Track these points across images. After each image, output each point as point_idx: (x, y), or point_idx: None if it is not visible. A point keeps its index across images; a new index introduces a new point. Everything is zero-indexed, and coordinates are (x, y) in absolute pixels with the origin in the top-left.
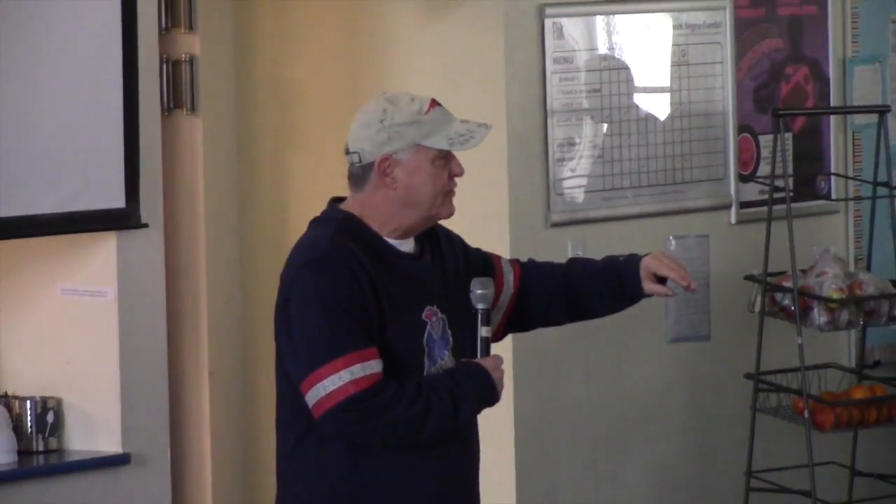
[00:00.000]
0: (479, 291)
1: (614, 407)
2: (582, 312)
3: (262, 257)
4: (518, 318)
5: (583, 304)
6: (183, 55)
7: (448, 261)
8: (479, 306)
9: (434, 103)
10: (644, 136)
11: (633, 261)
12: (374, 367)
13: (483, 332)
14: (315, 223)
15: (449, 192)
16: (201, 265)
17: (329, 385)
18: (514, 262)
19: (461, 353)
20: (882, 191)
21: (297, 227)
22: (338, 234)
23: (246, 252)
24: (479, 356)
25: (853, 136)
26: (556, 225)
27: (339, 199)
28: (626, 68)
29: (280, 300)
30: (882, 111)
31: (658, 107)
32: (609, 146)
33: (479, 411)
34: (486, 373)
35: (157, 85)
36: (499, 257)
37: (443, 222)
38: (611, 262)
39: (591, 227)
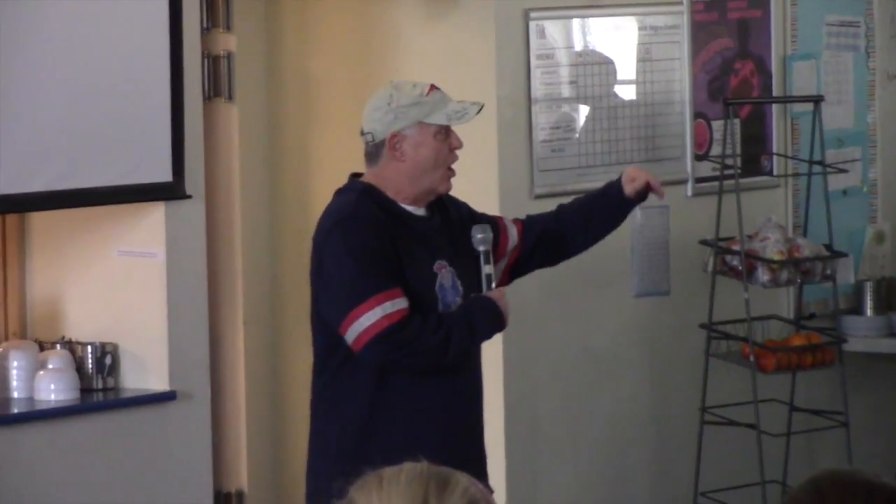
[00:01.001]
0: (478, 235)
1: (586, 353)
2: (581, 240)
3: (289, 225)
4: (524, 265)
5: (579, 231)
6: (221, 51)
7: (454, 223)
8: (480, 248)
9: (433, 87)
10: (614, 121)
11: (612, 181)
12: (401, 303)
13: (486, 269)
14: (339, 192)
15: (450, 167)
16: (237, 231)
17: (365, 321)
18: (517, 220)
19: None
20: (816, 168)
21: (320, 199)
22: (360, 198)
23: (275, 220)
24: (484, 291)
25: (792, 122)
26: (539, 197)
27: (358, 175)
28: (599, 63)
29: (314, 259)
30: (817, 101)
31: (626, 96)
32: (584, 130)
33: (491, 335)
34: (492, 302)
35: (199, 76)
36: (501, 217)
37: (453, 194)
38: (594, 195)
39: (569, 198)
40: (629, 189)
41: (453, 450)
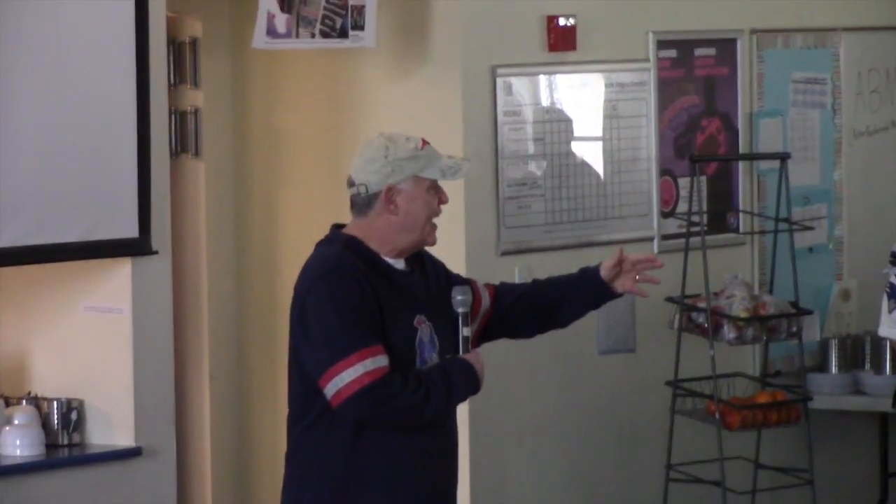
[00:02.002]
0: (459, 297)
1: (554, 409)
2: (549, 321)
3: (255, 280)
4: (494, 330)
5: (551, 312)
6: (189, 107)
7: (431, 279)
8: (460, 310)
9: (425, 142)
10: (581, 178)
11: (590, 269)
12: (382, 360)
13: (464, 331)
14: (322, 244)
15: (434, 222)
16: (203, 286)
17: (346, 377)
18: (488, 284)
19: (445, 354)
20: (783, 225)
21: (286, 253)
22: (344, 251)
23: (241, 275)
24: (461, 353)
25: (758, 178)
26: (505, 253)
27: (341, 226)
28: (566, 120)
29: (295, 309)
30: (783, 158)
31: (593, 153)
32: (550, 186)
33: (466, 398)
34: (469, 365)
35: (167, 132)
36: (475, 280)
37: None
38: (571, 275)
39: (535, 255)
40: (623, 287)
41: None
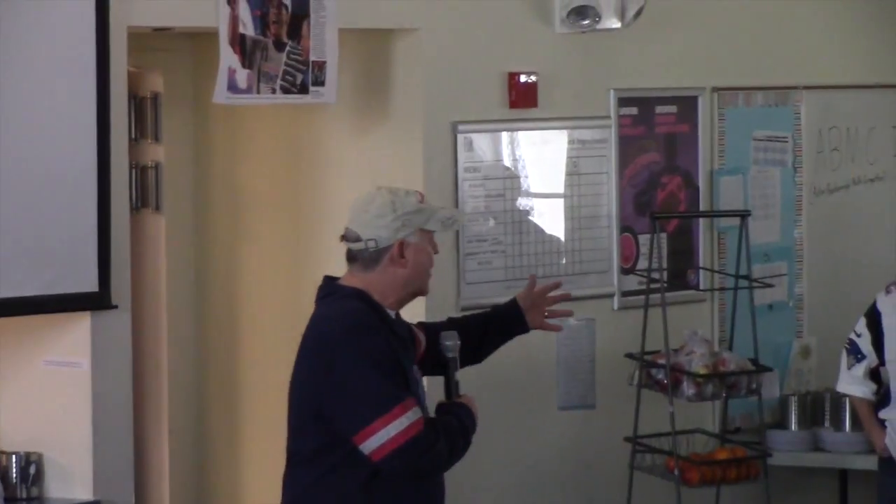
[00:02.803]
0: (448, 343)
1: (511, 466)
2: (472, 355)
3: (216, 334)
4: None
5: (475, 347)
6: (149, 161)
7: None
8: (450, 355)
9: (421, 194)
10: (541, 234)
11: (503, 304)
12: (419, 412)
13: (456, 376)
14: (333, 297)
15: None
16: (163, 340)
17: (392, 430)
18: (419, 324)
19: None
20: (743, 283)
21: (247, 308)
22: (362, 304)
23: (202, 329)
24: (453, 397)
25: (719, 236)
26: (465, 309)
27: (332, 278)
28: (527, 177)
29: (319, 365)
30: (743, 215)
31: (554, 209)
32: (511, 242)
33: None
34: (471, 411)
35: (127, 187)
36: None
37: None
38: (487, 312)
39: None
40: (536, 323)
41: None
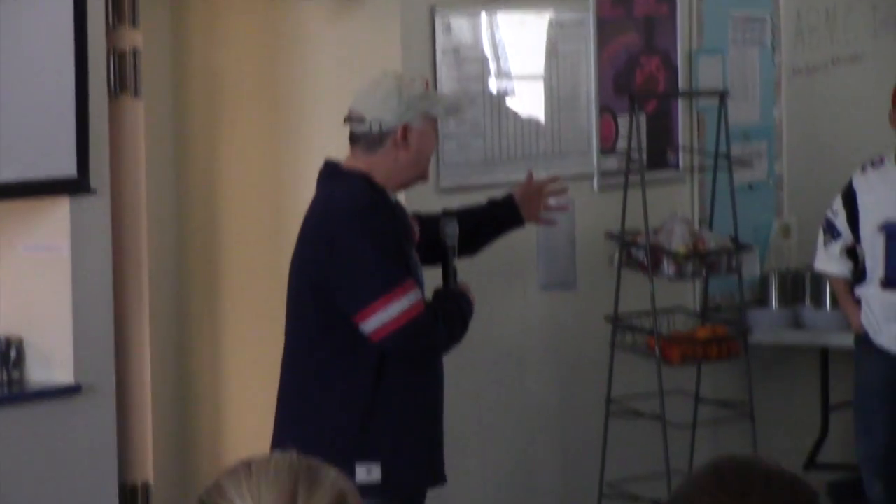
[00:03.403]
0: (448, 230)
1: (492, 347)
2: (465, 248)
3: (195, 219)
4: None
5: (468, 239)
6: (128, 47)
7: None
8: (449, 242)
9: (427, 81)
10: (520, 116)
11: (499, 198)
12: (419, 294)
13: (454, 263)
14: (336, 179)
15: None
16: (142, 225)
17: (392, 311)
18: (412, 214)
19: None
20: (722, 162)
21: (226, 193)
22: (366, 186)
23: (181, 214)
24: (451, 285)
25: (698, 116)
26: (444, 190)
27: (334, 162)
28: (505, 59)
29: (322, 245)
30: (722, 95)
31: (532, 91)
32: (490, 125)
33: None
34: (468, 298)
35: (105, 73)
36: None
37: None
38: (482, 204)
39: (474, 193)
40: (530, 217)
41: (436, 430)
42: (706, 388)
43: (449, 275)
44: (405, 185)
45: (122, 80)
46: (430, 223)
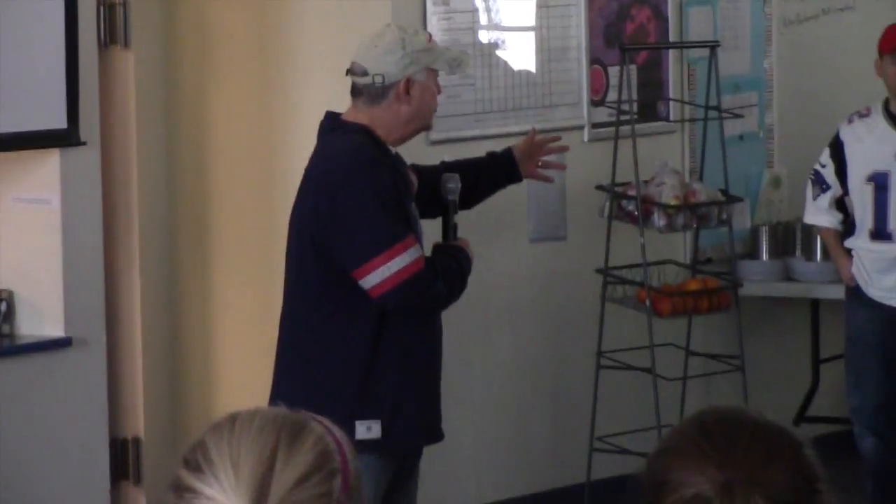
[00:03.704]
0: (450, 185)
1: (483, 298)
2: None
3: (186, 171)
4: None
5: (467, 192)
6: None
7: None
8: (450, 197)
9: (430, 35)
10: (511, 67)
11: (498, 152)
12: (419, 250)
13: (455, 219)
14: (337, 132)
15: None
16: (133, 178)
17: (393, 266)
18: (411, 166)
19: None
20: (713, 113)
21: (217, 145)
22: (368, 140)
23: (172, 166)
24: (450, 240)
25: (688, 67)
26: (435, 143)
27: (336, 114)
28: (496, 10)
29: (323, 200)
30: (713, 46)
31: (523, 42)
32: (480, 76)
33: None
34: (467, 254)
35: (95, 24)
36: None
37: None
38: (481, 158)
39: (465, 144)
40: (529, 172)
41: (434, 386)
42: (697, 340)
43: (449, 230)
44: (406, 138)
45: (112, 31)
46: (429, 175)
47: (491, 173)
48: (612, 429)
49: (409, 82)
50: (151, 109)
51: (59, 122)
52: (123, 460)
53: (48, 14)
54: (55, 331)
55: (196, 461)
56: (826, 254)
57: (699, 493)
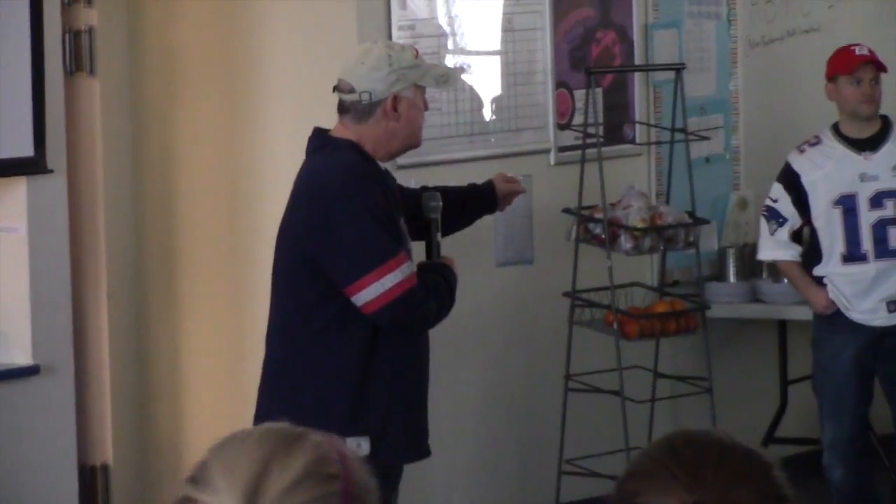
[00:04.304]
0: (432, 204)
1: (451, 322)
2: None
3: (152, 198)
4: None
5: (451, 219)
6: (83, 26)
7: None
8: (432, 216)
9: (416, 50)
10: (477, 91)
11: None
12: (412, 266)
13: (438, 237)
14: (326, 149)
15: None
16: (100, 205)
17: (387, 283)
18: None
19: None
20: (679, 136)
21: (184, 172)
22: (359, 156)
23: (138, 193)
24: (434, 258)
25: (654, 90)
26: (402, 167)
27: (324, 130)
28: (462, 34)
29: (315, 216)
30: (679, 69)
31: (489, 66)
32: (447, 100)
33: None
34: (453, 272)
35: (60, 52)
36: None
37: None
38: (464, 187)
39: (432, 168)
40: (504, 187)
41: (422, 404)
42: (665, 363)
43: (433, 248)
44: (394, 154)
45: (78, 58)
46: (410, 198)
47: (475, 203)
48: (581, 451)
49: (396, 99)
50: (118, 136)
51: (26, 149)
52: (92, 487)
53: (14, 42)
54: (23, 358)
55: (196, 475)
56: None
57: None
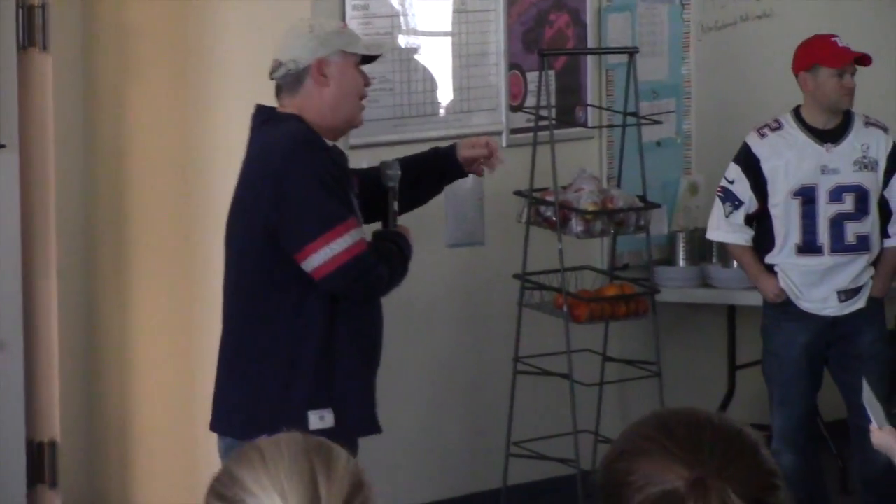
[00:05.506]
0: (389, 171)
1: (400, 302)
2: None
3: (104, 173)
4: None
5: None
6: (36, 1)
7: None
8: (390, 184)
9: (345, 24)
10: (429, 72)
11: (442, 148)
12: (361, 232)
13: (395, 205)
14: (271, 122)
15: (363, 98)
16: (51, 180)
17: (336, 248)
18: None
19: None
20: (631, 120)
21: (135, 148)
22: (305, 126)
23: (90, 169)
24: (390, 226)
25: (607, 73)
26: (354, 147)
27: (266, 106)
28: (414, 15)
29: (266, 182)
30: (631, 52)
31: (441, 47)
32: (399, 81)
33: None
34: (407, 241)
35: (14, 26)
36: None
37: None
38: (425, 153)
39: (384, 149)
40: (467, 153)
41: (374, 375)
42: (614, 346)
43: (389, 217)
44: (337, 129)
45: (31, 33)
46: (369, 176)
47: (438, 166)
48: (529, 434)
49: (321, 63)
50: (70, 112)
51: None
52: (40, 463)
53: None
54: None
55: (234, 496)
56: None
57: (668, 490)
